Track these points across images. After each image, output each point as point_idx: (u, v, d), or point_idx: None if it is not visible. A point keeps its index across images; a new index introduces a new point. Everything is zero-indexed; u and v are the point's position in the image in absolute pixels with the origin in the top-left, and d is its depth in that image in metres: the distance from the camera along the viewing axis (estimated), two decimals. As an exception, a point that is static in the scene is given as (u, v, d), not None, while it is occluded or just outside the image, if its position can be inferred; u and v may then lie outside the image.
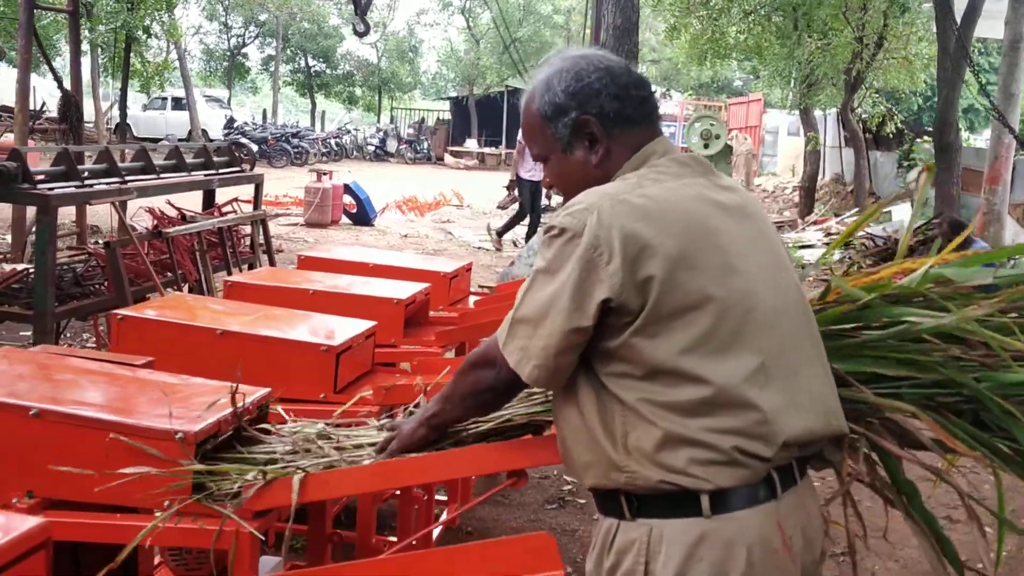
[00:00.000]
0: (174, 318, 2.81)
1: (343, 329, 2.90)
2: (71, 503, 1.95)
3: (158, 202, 6.43)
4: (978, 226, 10.24)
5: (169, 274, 5.60)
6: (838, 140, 18.36)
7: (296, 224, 13.09)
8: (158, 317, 2.80)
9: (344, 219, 13.78)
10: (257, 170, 7.72)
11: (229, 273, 6.42)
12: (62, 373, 2.21)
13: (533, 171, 11.34)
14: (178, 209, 6.50)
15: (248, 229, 7.02)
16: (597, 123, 1.65)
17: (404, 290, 3.51)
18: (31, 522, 1.44)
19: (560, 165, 1.71)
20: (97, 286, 5.51)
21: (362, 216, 13.87)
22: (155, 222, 6.11)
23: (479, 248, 12.23)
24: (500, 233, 12.38)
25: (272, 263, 6.87)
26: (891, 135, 16.03)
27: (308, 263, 4.10)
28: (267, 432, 2.15)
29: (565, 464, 1.68)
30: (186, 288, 6.06)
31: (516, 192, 13.34)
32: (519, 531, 3.82)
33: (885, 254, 9.98)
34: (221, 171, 6.72)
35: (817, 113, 18.56)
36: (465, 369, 1.77)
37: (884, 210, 14.18)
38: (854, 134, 15.51)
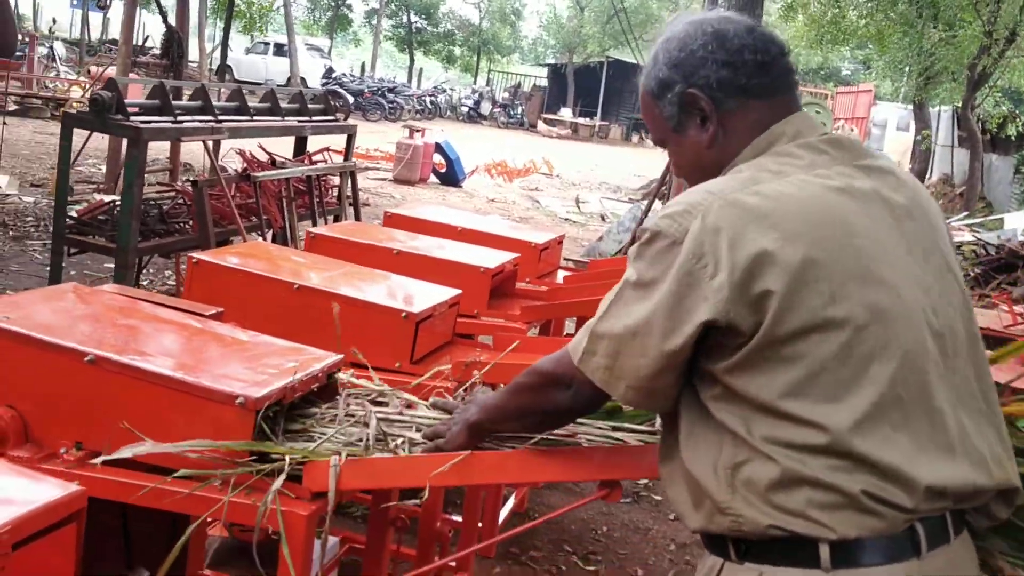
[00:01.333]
0: (250, 267, 2.65)
1: (426, 295, 2.71)
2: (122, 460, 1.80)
3: (250, 145, 6.34)
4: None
5: (254, 219, 5.50)
6: (951, 139, 17.47)
7: (384, 179, 13.02)
8: (233, 264, 2.65)
9: (432, 178, 13.67)
10: (350, 122, 7.58)
11: (314, 223, 6.32)
12: (126, 318, 2.06)
13: None
14: (269, 154, 6.41)
15: (336, 180, 6.91)
16: (705, 96, 1.40)
17: (492, 258, 3.30)
18: (63, 490, 1.27)
19: (675, 148, 1.49)
20: (182, 224, 5.45)
21: (451, 176, 13.74)
22: (244, 165, 6.03)
23: (566, 219, 11.97)
24: None
25: (358, 217, 6.75)
26: (1012, 138, 15.12)
27: (394, 220, 3.92)
28: (333, 401, 1.97)
29: (665, 495, 1.45)
30: (270, 235, 5.97)
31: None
32: (588, 523, 3.62)
33: (998, 264, 9.38)
34: (315, 119, 6.59)
35: (931, 109, 17.69)
36: (530, 386, 1.54)
37: (996, 216, 13.44)
38: (971, 134, 14.67)
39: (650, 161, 23.17)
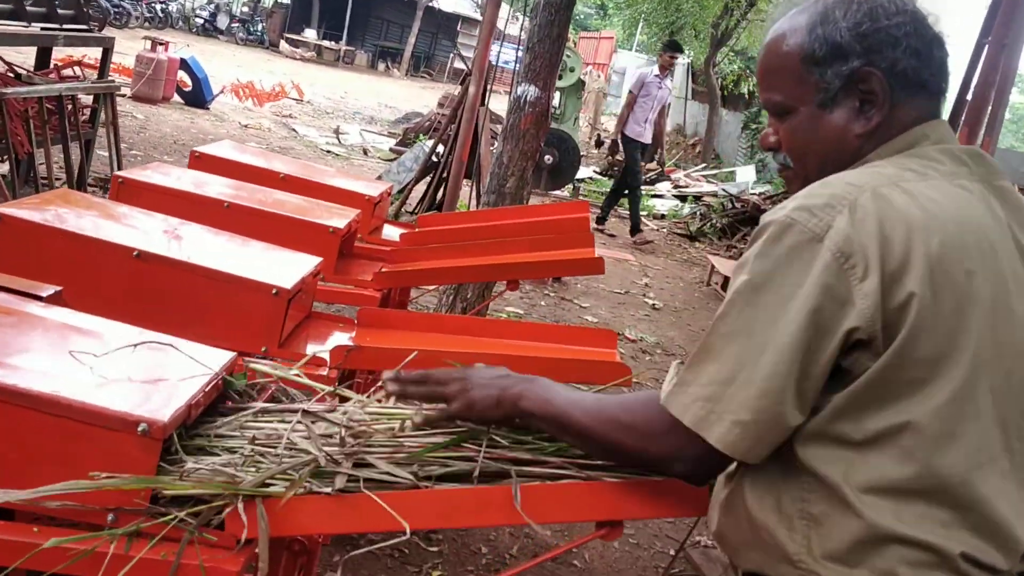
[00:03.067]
0: (75, 227, 2.16)
1: (291, 266, 2.35)
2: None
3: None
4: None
5: None
6: (685, 91, 18.53)
7: (122, 96, 11.72)
8: (53, 224, 2.15)
9: (176, 97, 12.51)
10: (105, 33, 6.68)
11: (66, 151, 5.51)
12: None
13: (639, 129, 9.37)
14: (8, 64, 5.48)
15: (86, 100, 6.07)
16: (884, 81, 1.22)
17: (338, 216, 2.96)
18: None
19: (807, 123, 1.27)
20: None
21: (197, 96, 12.64)
22: (-19, 76, 5.11)
23: (327, 152, 11.42)
24: (601, 218, 9.67)
25: (118, 146, 5.97)
26: (744, 95, 16.29)
27: (203, 162, 3.42)
28: (242, 408, 1.62)
29: (709, 527, 1.30)
30: (6, 167, 5.14)
31: (615, 154, 10.73)
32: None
33: (743, 216, 10.09)
34: (66, 27, 5.69)
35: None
36: (614, 426, 1.27)
37: (729, 169, 14.48)
38: (711, 89, 15.63)
39: (398, 92, 22.76)
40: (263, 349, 2.19)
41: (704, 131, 16.84)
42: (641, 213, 9.85)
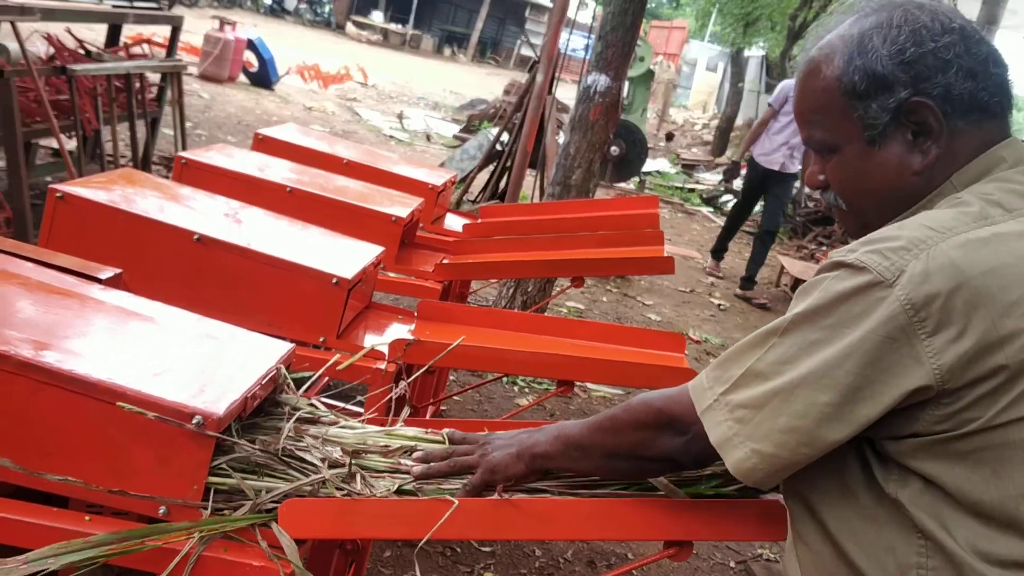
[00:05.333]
0: (136, 208, 2.13)
1: (353, 255, 2.29)
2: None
3: (56, 30, 5.42)
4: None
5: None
6: (759, 85, 18.15)
7: (189, 75, 11.85)
8: (114, 204, 2.11)
9: (241, 77, 12.61)
10: (175, 12, 6.72)
11: (132, 128, 5.55)
12: (10, 293, 1.54)
13: (774, 154, 7.08)
14: (79, 41, 5.53)
15: (154, 78, 6.09)
16: (937, 110, 1.09)
17: (401, 205, 2.90)
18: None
19: (856, 162, 1.14)
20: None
21: (263, 77, 12.74)
22: (53, 52, 5.15)
23: (390, 137, 11.41)
24: (716, 252, 7.94)
25: (183, 124, 6.00)
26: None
27: (267, 145, 3.39)
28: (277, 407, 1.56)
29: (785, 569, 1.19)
30: (75, 140, 5.18)
31: (734, 179, 8.64)
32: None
33: (816, 216, 9.83)
34: (137, 4, 5.73)
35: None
36: (634, 423, 1.24)
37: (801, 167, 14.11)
38: (783, 83, 15.28)
39: (463, 78, 22.72)
40: (321, 339, 2.14)
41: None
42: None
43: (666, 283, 7.14)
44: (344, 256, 2.26)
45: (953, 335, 0.97)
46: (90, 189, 2.15)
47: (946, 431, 1.00)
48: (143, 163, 5.67)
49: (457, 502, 1.31)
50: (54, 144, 5.80)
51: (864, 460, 1.07)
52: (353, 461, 1.42)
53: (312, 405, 1.59)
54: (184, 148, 6.05)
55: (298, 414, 1.54)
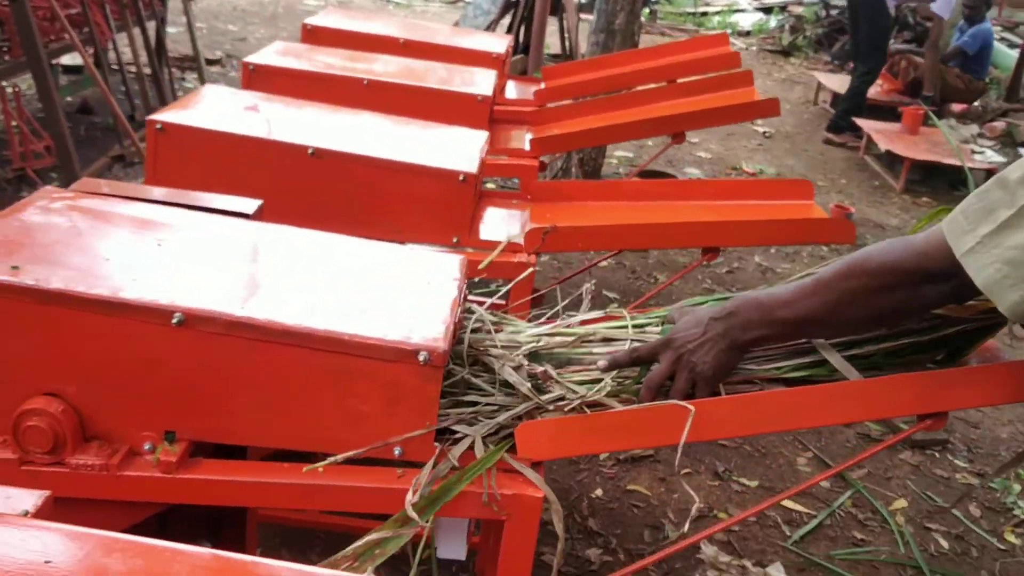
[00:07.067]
0: (240, 130, 2.01)
1: (465, 145, 2.19)
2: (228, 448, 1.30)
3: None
4: None
5: (65, 35, 4.47)
6: None
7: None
8: (217, 128, 2.00)
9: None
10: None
11: (144, 30, 5.32)
12: (160, 231, 1.46)
13: None
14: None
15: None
16: None
17: (483, 82, 2.76)
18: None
19: None
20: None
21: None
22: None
23: (387, 1, 10.94)
24: (839, 126, 6.73)
25: (191, 21, 5.74)
26: None
27: (316, 36, 3.21)
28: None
29: None
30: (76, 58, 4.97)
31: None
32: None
33: (839, 25, 9.46)
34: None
35: None
36: (882, 286, 1.19)
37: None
38: None
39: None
40: (454, 240, 2.07)
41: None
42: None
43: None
44: (459, 149, 2.15)
45: None
46: (187, 114, 2.04)
47: None
48: (160, 65, 5.47)
49: (693, 408, 1.26)
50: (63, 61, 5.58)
51: None
52: (546, 367, 1.38)
53: (502, 316, 1.53)
54: (196, 46, 5.81)
55: (492, 329, 1.48)
